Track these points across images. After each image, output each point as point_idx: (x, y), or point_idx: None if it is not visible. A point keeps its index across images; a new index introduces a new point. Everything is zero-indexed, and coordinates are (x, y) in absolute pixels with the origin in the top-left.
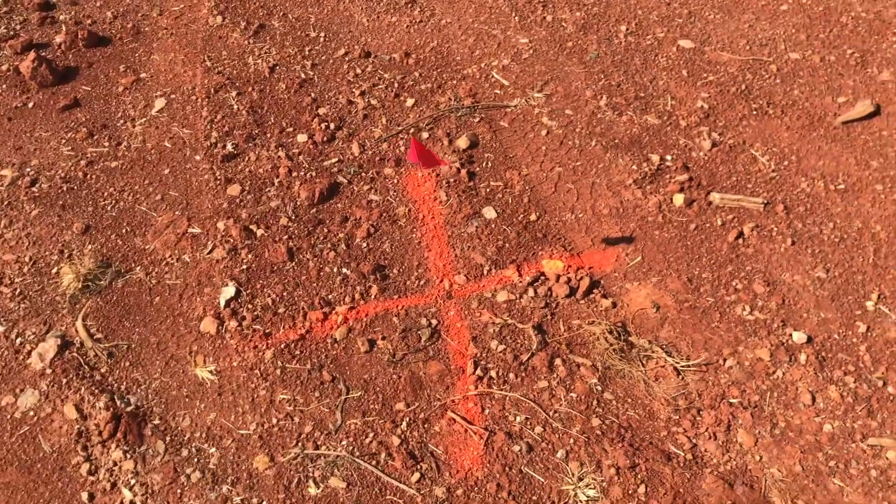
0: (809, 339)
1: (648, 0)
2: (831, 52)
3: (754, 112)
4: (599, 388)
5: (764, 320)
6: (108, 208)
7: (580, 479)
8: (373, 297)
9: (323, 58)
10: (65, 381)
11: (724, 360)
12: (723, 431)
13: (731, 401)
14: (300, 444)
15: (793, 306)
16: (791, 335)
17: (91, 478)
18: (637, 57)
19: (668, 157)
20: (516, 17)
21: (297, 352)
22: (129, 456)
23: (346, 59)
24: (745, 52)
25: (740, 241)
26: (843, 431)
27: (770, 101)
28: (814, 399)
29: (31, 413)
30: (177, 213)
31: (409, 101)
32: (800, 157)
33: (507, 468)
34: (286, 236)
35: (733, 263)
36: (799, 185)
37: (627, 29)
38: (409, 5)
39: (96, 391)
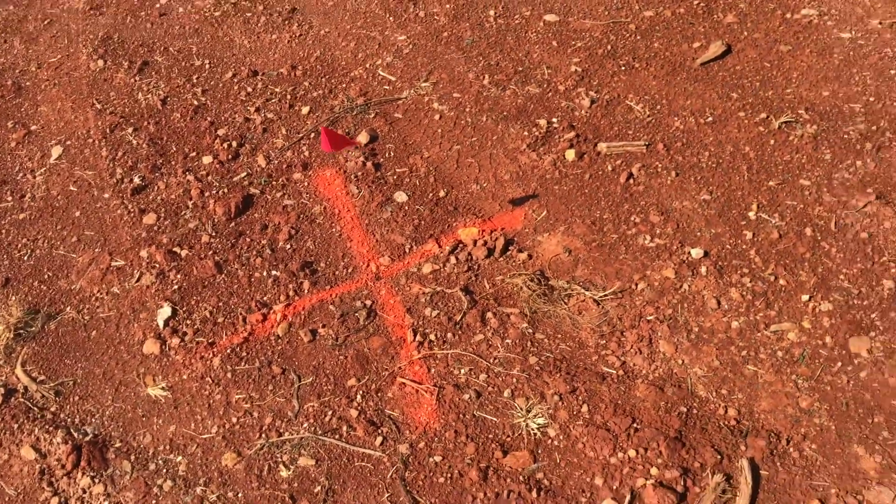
0: (706, 253)
1: None
2: (680, 6)
3: (623, 68)
4: (530, 330)
5: (664, 245)
6: (25, 258)
7: (529, 411)
8: (306, 291)
9: (212, 83)
10: (16, 426)
11: (636, 284)
12: (646, 346)
13: (649, 318)
14: (263, 435)
15: (686, 228)
16: (690, 252)
17: None
18: (509, 36)
19: (555, 120)
20: (391, 18)
21: (244, 353)
22: (97, 480)
23: (235, 80)
24: (605, 17)
25: (631, 181)
26: (749, 325)
27: (635, 56)
28: (719, 303)
29: None
30: (96, 250)
31: (305, 109)
32: (669, 101)
33: (460, 415)
34: (211, 252)
35: (628, 201)
36: (673, 124)
37: (495, 13)
38: (287, 21)
39: (51, 429)
